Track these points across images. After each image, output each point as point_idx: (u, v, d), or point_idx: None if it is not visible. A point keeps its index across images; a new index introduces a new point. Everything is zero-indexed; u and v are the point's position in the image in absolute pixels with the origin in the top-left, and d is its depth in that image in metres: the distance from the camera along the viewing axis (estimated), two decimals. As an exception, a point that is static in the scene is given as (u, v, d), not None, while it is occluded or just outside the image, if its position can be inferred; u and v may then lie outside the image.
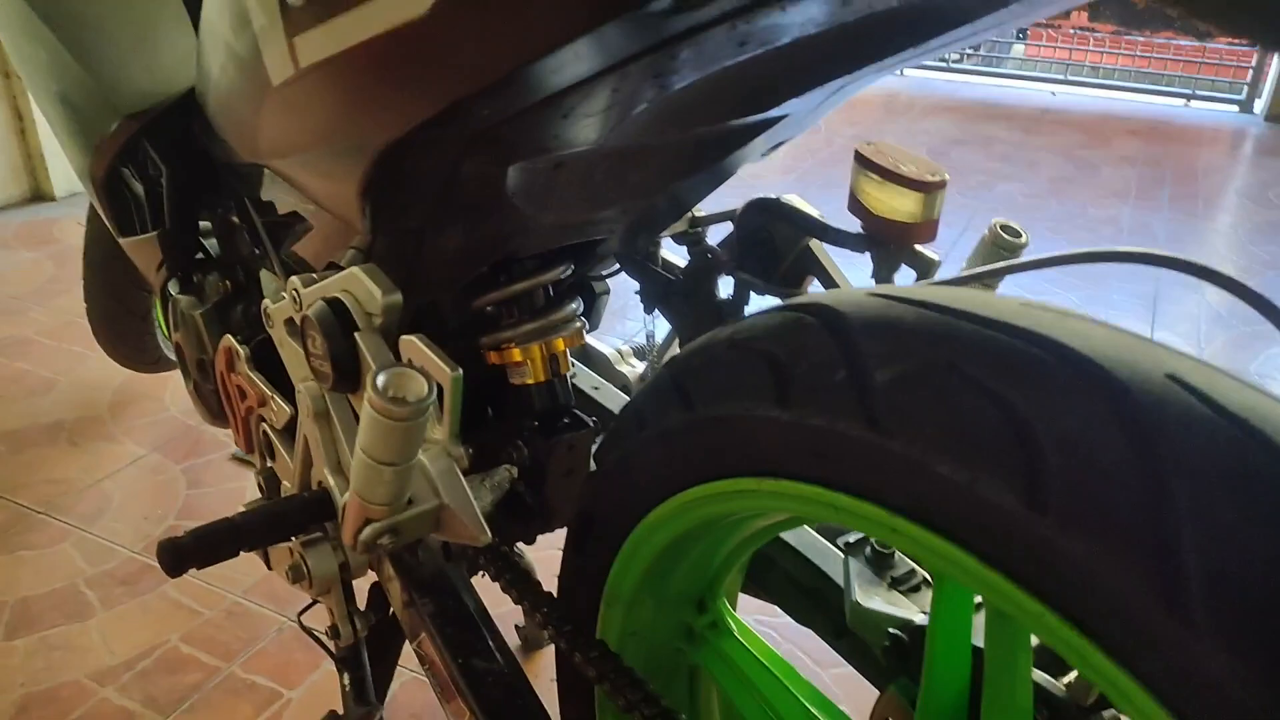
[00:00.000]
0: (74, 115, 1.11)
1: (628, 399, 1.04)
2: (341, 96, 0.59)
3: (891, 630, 0.73)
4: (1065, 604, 0.43)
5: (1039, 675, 0.63)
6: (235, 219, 1.07)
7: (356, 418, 0.76)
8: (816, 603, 0.85)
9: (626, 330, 2.05)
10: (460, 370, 0.65)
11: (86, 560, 1.55)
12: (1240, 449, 0.39)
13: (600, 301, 0.92)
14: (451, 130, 0.56)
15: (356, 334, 0.70)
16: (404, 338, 0.68)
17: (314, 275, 0.76)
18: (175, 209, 1.09)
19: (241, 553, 0.76)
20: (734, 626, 0.81)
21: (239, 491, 1.71)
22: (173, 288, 1.14)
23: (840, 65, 0.57)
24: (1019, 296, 0.50)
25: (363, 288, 0.69)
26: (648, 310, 1.03)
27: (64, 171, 3.02)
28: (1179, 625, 0.38)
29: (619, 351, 1.17)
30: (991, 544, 0.46)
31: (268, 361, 0.94)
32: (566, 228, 0.76)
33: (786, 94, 0.61)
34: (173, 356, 1.89)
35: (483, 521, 0.67)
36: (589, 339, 1.13)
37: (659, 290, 0.99)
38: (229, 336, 1.00)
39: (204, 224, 1.15)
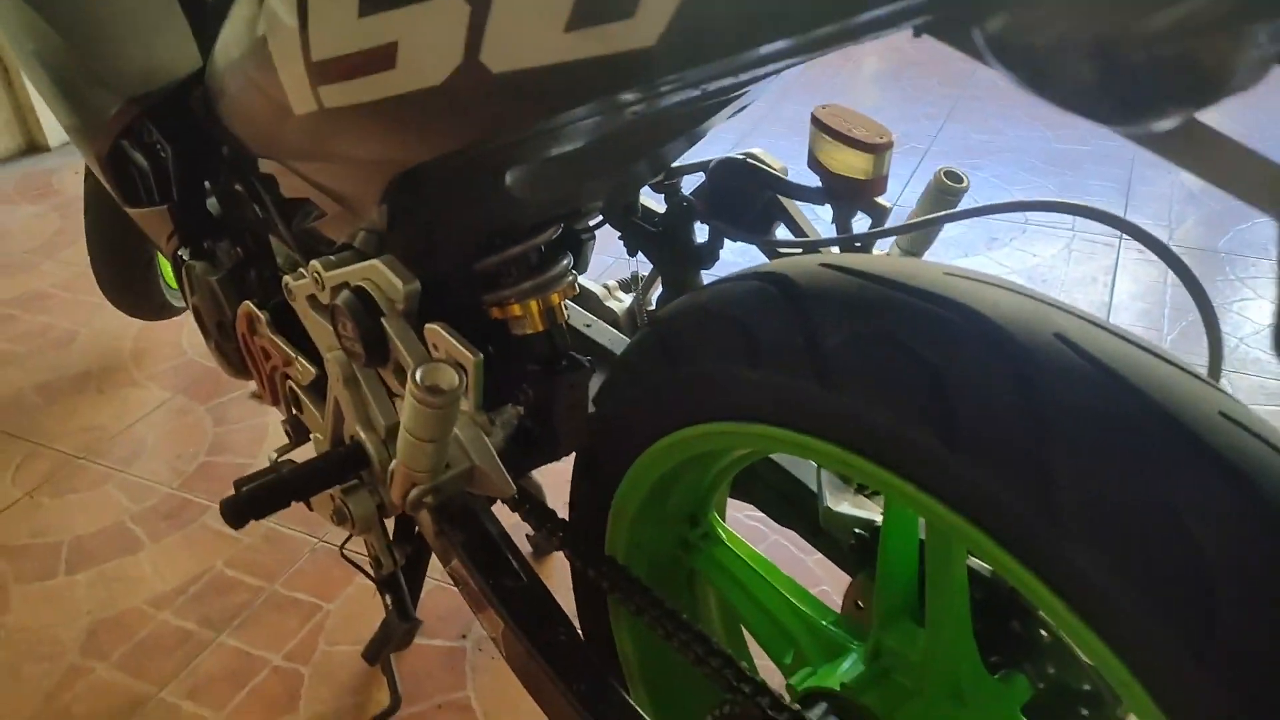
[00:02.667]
0: (75, 99, 1.12)
1: (617, 333, 1.13)
2: (361, 134, 0.66)
3: (856, 530, 0.84)
4: (977, 517, 0.54)
5: (973, 561, 0.74)
6: (242, 192, 1.09)
7: (382, 383, 0.85)
8: (795, 508, 0.96)
9: (601, 263, 2.12)
10: (481, 355, 0.74)
11: (130, 499, 1.65)
12: (1107, 393, 0.49)
13: (587, 247, 0.99)
14: (461, 155, 0.64)
15: (383, 319, 0.78)
16: (429, 326, 0.76)
17: (332, 259, 0.83)
18: (183, 183, 1.11)
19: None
20: (723, 535, 0.91)
21: (262, 426, 1.80)
22: (184, 253, 1.17)
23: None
24: (943, 265, 0.59)
25: (385, 278, 0.77)
26: (631, 254, 1.11)
27: (56, 121, 3.02)
28: (1055, 529, 0.49)
29: (607, 287, 1.25)
30: (919, 473, 0.56)
31: (287, 324, 1.00)
32: (559, 201, 0.84)
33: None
34: (176, 304, 1.93)
35: (508, 477, 0.77)
36: (580, 279, 1.21)
37: (640, 237, 1.07)
38: (248, 303, 1.05)
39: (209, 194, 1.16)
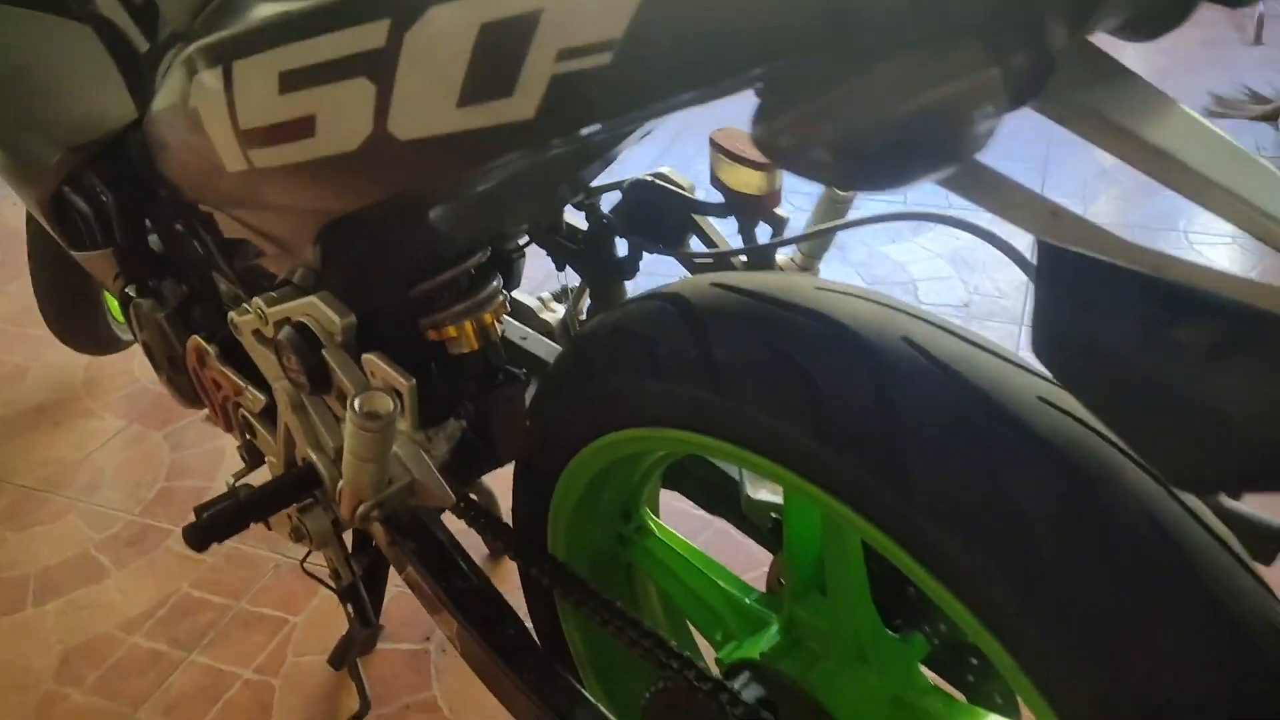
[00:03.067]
0: (14, 149, 1.14)
1: (552, 344, 1.20)
2: (289, 189, 0.73)
3: (773, 514, 0.92)
4: (847, 498, 0.62)
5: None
6: (184, 233, 1.10)
7: (328, 408, 0.92)
8: (720, 497, 1.04)
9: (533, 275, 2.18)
10: (414, 380, 0.81)
11: (92, 528, 1.69)
12: (945, 388, 0.57)
13: (518, 265, 1.05)
14: (392, 203, 0.71)
15: (324, 351, 0.85)
16: (365, 356, 0.83)
17: (274, 295, 0.89)
18: (125, 226, 1.13)
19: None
20: (655, 528, 0.99)
21: (219, 450, 1.84)
22: (131, 291, 1.19)
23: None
24: (815, 280, 0.67)
25: (322, 313, 0.83)
26: (559, 269, 1.18)
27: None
28: (909, 506, 0.57)
29: (541, 300, 1.32)
30: (800, 464, 0.64)
31: (235, 356, 1.04)
32: (484, 230, 0.91)
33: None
34: (124, 337, 1.95)
35: (447, 488, 0.84)
36: (515, 294, 1.28)
37: (565, 253, 1.14)
38: (196, 338, 1.08)
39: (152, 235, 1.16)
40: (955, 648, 0.82)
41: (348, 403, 0.75)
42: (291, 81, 0.63)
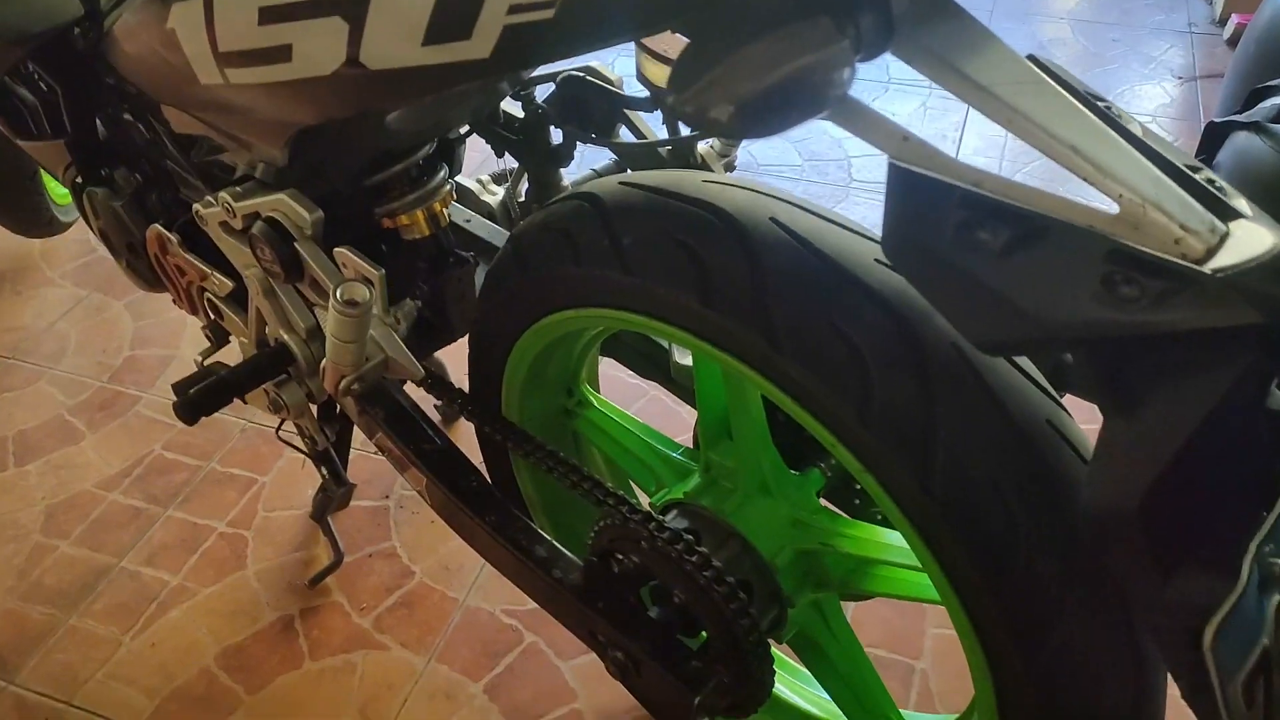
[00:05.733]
0: None
1: (494, 226, 1.28)
2: (263, 103, 0.80)
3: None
4: (733, 351, 0.75)
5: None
6: (137, 125, 1.13)
7: (297, 293, 1.01)
8: (651, 362, 1.16)
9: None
10: (383, 270, 0.91)
11: (64, 394, 1.77)
12: (801, 256, 0.70)
13: (459, 152, 1.12)
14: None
15: (296, 244, 0.93)
16: (337, 250, 0.92)
17: (238, 190, 0.96)
18: (76, 119, 1.14)
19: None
20: (594, 401, 1.11)
21: (180, 319, 1.90)
22: (83, 181, 1.20)
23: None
24: (702, 173, 0.79)
25: (292, 210, 0.91)
26: (498, 155, 1.26)
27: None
28: (777, 353, 0.71)
29: (480, 182, 1.39)
30: (694, 327, 0.77)
31: (197, 243, 1.09)
32: (435, 125, 0.99)
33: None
34: (64, 219, 1.95)
35: (416, 363, 0.95)
36: (457, 178, 1.35)
37: (504, 141, 1.22)
38: (156, 226, 1.12)
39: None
40: (845, 479, 0.96)
41: (330, 293, 0.85)
42: (270, 16, 0.70)
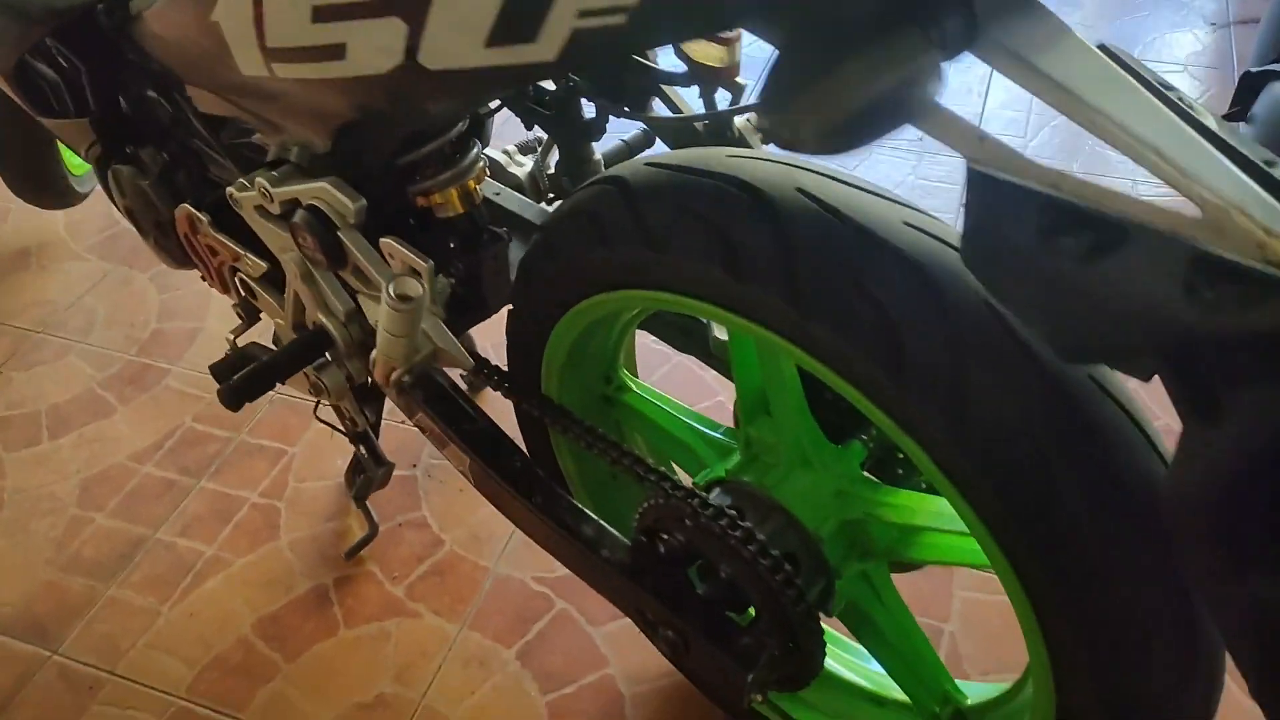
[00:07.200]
0: None
1: (524, 198, 1.26)
2: (310, 96, 0.79)
3: (734, 350, 1.03)
4: (762, 320, 0.75)
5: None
6: (165, 105, 1.10)
7: (336, 278, 1.00)
8: (691, 338, 1.16)
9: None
10: (431, 261, 0.89)
11: (94, 368, 1.77)
12: (829, 223, 0.69)
13: (488, 125, 1.11)
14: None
15: (339, 233, 0.92)
16: (384, 241, 0.90)
17: (275, 174, 0.93)
18: (100, 97, 1.12)
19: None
20: (633, 385, 1.11)
21: (205, 291, 1.85)
22: (108, 160, 1.17)
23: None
24: (729, 149, 0.78)
25: (335, 198, 0.89)
26: (528, 128, 1.24)
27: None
28: (805, 317, 0.71)
29: (507, 153, 1.38)
30: (725, 300, 0.77)
31: (229, 223, 1.07)
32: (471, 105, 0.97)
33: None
34: (81, 190, 1.93)
35: (465, 353, 0.94)
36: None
37: (534, 115, 1.20)
38: (186, 206, 1.10)
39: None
40: (887, 450, 0.96)
41: (383, 289, 0.85)
42: (325, 15, 0.68)
